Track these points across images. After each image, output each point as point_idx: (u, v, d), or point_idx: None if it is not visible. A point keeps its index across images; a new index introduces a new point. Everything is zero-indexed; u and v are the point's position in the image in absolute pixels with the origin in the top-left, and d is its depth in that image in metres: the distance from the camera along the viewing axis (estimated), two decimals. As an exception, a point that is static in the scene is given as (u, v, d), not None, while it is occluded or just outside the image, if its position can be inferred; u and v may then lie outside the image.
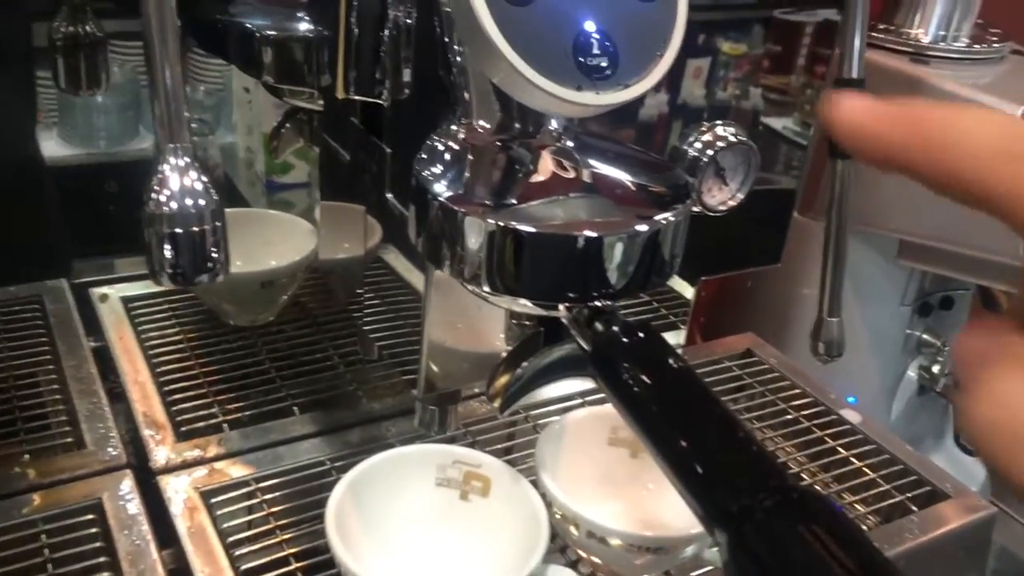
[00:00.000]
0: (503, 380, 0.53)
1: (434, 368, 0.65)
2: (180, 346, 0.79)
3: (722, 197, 0.78)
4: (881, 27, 0.91)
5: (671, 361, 0.44)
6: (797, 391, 0.82)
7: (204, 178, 0.45)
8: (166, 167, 0.43)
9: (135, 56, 0.89)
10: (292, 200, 1.24)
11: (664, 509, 0.63)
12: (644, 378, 0.44)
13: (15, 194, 0.88)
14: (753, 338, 0.89)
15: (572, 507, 0.56)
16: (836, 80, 0.62)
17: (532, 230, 0.45)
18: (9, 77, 0.81)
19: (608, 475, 0.65)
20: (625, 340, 0.45)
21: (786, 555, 0.36)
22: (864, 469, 0.74)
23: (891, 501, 0.72)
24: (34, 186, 0.91)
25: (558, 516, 0.57)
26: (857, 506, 0.71)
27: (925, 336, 1.05)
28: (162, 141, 0.43)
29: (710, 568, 0.63)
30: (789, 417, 0.79)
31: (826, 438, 0.77)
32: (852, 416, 0.79)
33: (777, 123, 0.84)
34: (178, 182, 0.44)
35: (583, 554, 0.60)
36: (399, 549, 0.58)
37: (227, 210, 0.86)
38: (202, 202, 0.45)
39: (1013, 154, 0.24)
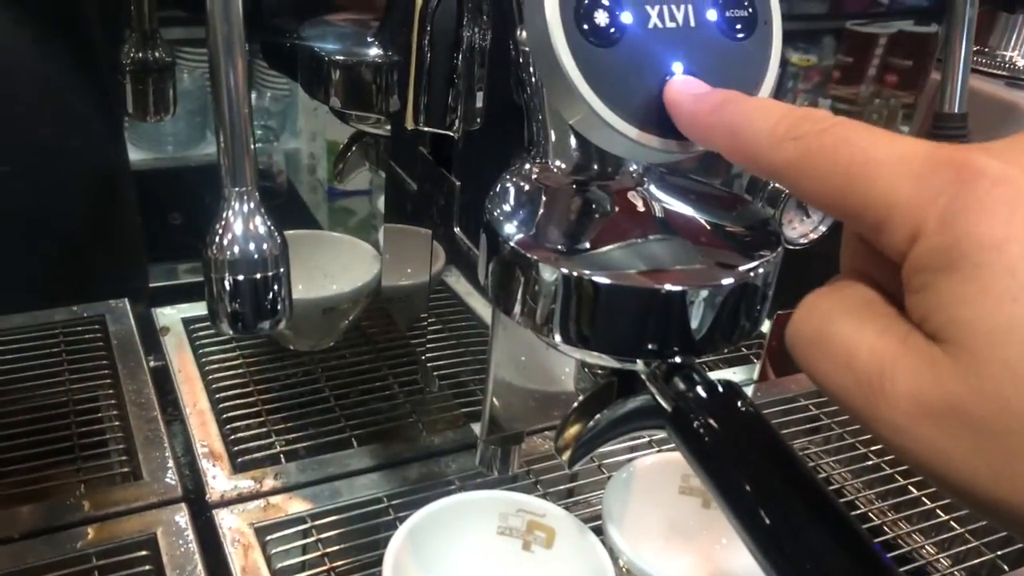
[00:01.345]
0: (573, 431, 0.50)
1: (498, 407, 0.62)
2: (239, 371, 0.78)
3: (803, 230, 0.74)
4: (975, 49, 0.86)
5: (758, 427, 0.41)
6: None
7: (269, 222, 0.43)
8: (229, 213, 0.41)
9: (204, 63, 0.88)
10: (353, 208, 1.23)
11: (738, 565, 0.60)
12: (729, 445, 0.40)
13: (103, 205, 0.87)
14: (830, 375, 0.85)
15: (639, 563, 0.53)
16: (936, 115, 0.58)
17: (609, 281, 0.42)
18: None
19: (678, 526, 0.62)
20: (706, 398, 0.42)
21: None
22: (951, 523, 0.70)
23: (981, 559, 0.67)
24: (122, 197, 0.91)
25: (625, 571, 0.54)
26: (943, 560, 0.67)
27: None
28: (226, 184, 0.41)
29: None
30: (870, 463, 0.75)
31: (910, 487, 0.73)
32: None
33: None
34: (242, 228, 0.42)
35: (651, 611, 0.57)
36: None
37: (288, 232, 0.86)
38: (266, 247, 0.43)
39: (790, 136, 0.28)
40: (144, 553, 0.58)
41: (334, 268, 0.80)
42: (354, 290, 0.77)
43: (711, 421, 0.42)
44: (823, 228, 0.74)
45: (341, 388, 0.77)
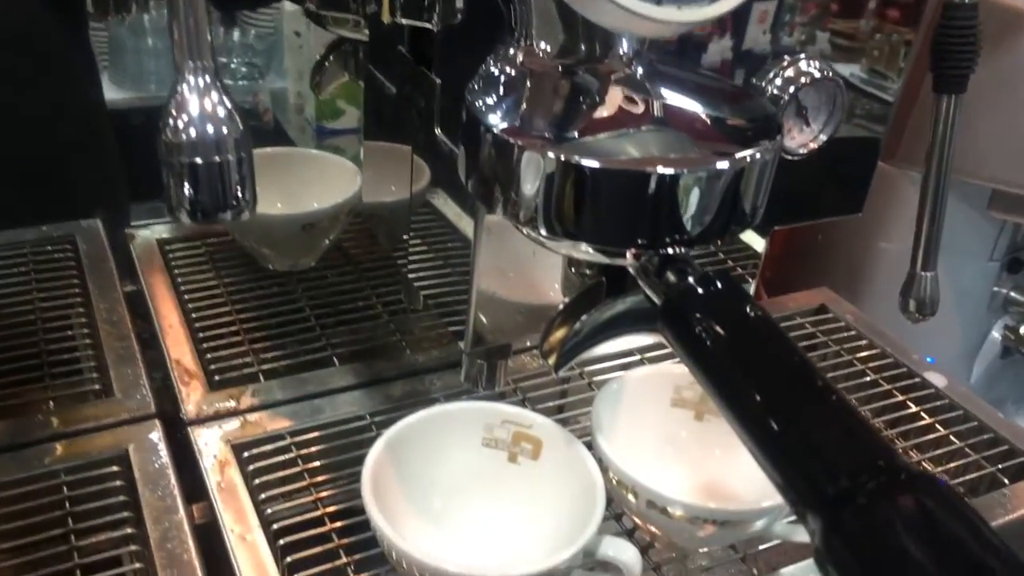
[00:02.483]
0: (559, 335, 0.48)
1: (483, 320, 0.60)
2: (216, 291, 0.75)
3: (803, 139, 0.71)
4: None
5: (755, 317, 0.38)
6: (876, 351, 0.76)
7: (228, 101, 0.40)
8: (184, 88, 0.38)
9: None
10: (342, 146, 1.19)
11: (732, 478, 0.58)
12: (724, 336, 0.38)
13: (79, 138, 0.86)
14: (827, 293, 0.83)
15: (630, 474, 0.51)
16: (945, 5, 0.54)
17: (597, 165, 0.40)
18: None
19: (670, 439, 0.60)
20: (701, 292, 0.40)
21: (892, 547, 0.31)
22: (950, 437, 0.68)
23: (980, 473, 0.65)
24: (97, 130, 0.89)
25: (615, 482, 0.52)
26: (942, 475, 0.65)
27: (1013, 294, 0.97)
28: (180, 59, 0.38)
29: (778, 543, 0.58)
30: (867, 379, 0.73)
31: (908, 403, 0.71)
32: (937, 379, 0.73)
33: (844, 70, 0.77)
34: (198, 106, 0.39)
35: (640, 523, 0.55)
36: (440, 513, 0.54)
37: (267, 149, 0.82)
38: (225, 129, 0.40)
39: None
40: (115, 469, 0.56)
41: (314, 184, 0.77)
42: (334, 206, 0.74)
43: (706, 315, 0.39)
44: (823, 137, 0.71)
45: (322, 307, 0.74)
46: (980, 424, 0.69)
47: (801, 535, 0.55)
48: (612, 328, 0.47)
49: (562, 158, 0.40)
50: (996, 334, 1.01)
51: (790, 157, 0.72)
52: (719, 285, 0.40)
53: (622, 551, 0.48)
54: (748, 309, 0.39)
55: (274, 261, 0.77)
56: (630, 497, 0.52)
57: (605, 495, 0.50)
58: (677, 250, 0.42)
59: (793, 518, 0.57)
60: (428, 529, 0.52)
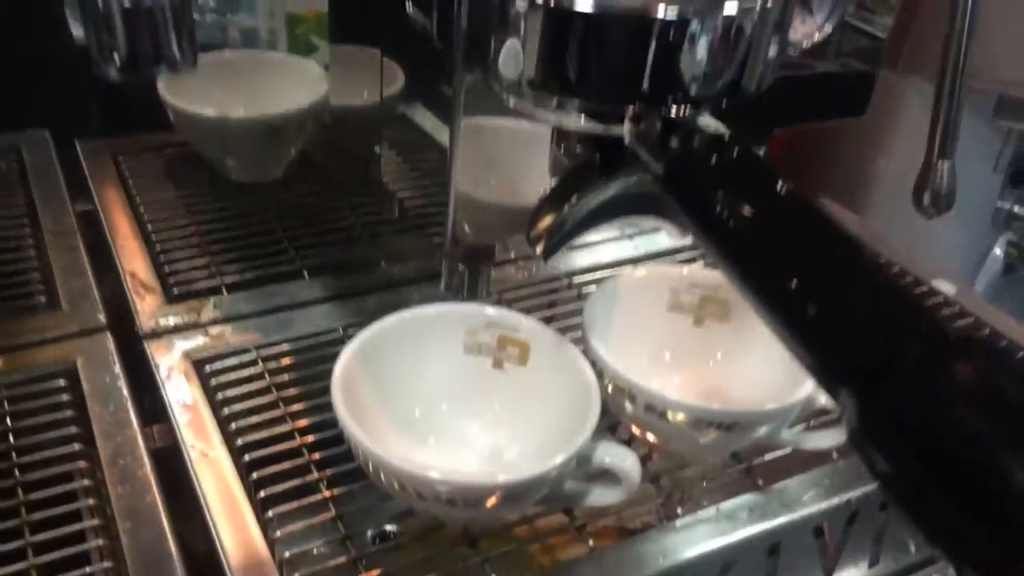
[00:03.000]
0: (547, 220, 0.43)
1: (463, 224, 0.55)
2: (175, 204, 0.70)
3: (806, 31, 0.66)
4: None
5: (770, 179, 0.34)
6: (880, 260, 0.72)
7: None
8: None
9: None
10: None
11: (733, 385, 0.54)
12: (736, 200, 0.33)
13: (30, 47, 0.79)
14: (827, 204, 0.78)
15: (627, 376, 0.47)
16: None
17: (590, 7, 0.35)
18: None
19: (667, 345, 0.55)
20: (711, 155, 0.35)
21: (940, 420, 0.26)
22: (960, 346, 0.64)
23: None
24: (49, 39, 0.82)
25: (609, 389, 0.48)
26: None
27: (1016, 209, 0.93)
28: None
29: (783, 453, 0.54)
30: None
31: (915, 312, 0.67)
32: (945, 287, 0.69)
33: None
34: (126, -59, 0.33)
35: (638, 432, 0.51)
36: (420, 424, 0.49)
37: (231, 51, 0.76)
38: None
39: None
40: (61, 383, 0.51)
41: (279, 88, 0.71)
42: (299, 110, 0.68)
43: (714, 177, 0.35)
44: (828, 28, 0.66)
45: (290, 220, 0.69)
46: (993, 331, 0.65)
47: (810, 442, 0.51)
48: (607, 211, 0.42)
49: (553, 2, 0.35)
50: (998, 251, 0.97)
51: (792, 51, 0.67)
52: (728, 149, 0.35)
53: (620, 457, 0.44)
54: (762, 171, 0.34)
55: (238, 172, 0.71)
56: (627, 403, 0.48)
57: (600, 398, 0.45)
58: (680, 112, 0.37)
59: (801, 425, 0.53)
60: (406, 441, 0.48)
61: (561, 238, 0.42)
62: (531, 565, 0.48)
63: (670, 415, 0.46)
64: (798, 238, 0.32)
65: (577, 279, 0.66)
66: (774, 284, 0.31)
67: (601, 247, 0.70)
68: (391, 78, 0.69)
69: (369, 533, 0.50)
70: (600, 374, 0.47)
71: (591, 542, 0.48)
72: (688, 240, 0.74)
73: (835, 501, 0.51)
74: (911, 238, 0.77)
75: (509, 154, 0.54)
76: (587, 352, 0.48)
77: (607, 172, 0.41)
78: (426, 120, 0.84)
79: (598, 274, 0.67)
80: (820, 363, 0.30)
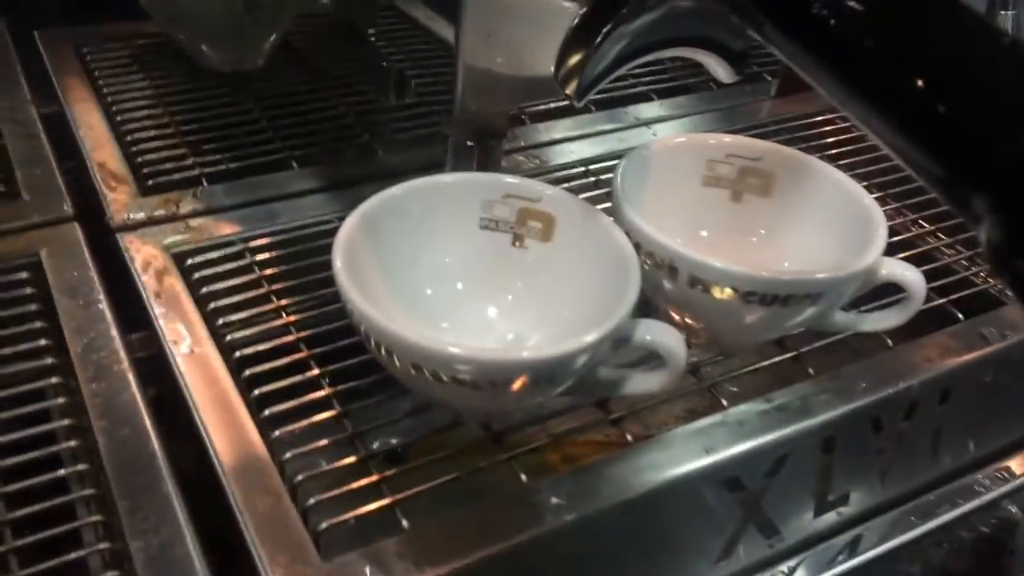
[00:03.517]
0: (579, 53, 0.37)
1: (472, 93, 0.48)
2: (147, 94, 0.63)
3: None
4: None
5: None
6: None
7: None
8: None
9: None
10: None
11: (776, 264, 0.48)
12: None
13: None
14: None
15: (669, 244, 0.41)
16: None
17: None
18: None
19: (702, 221, 0.50)
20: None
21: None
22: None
23: None
24: None
25: (645, 265, 0.42)
26: (977, 269, 0.56)
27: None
28: None
29: (835, 339, 0.49)
30: (903, 173, 0.63)
31: (962, 195, 0.61)
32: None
33: None
34: None
35: (676, 315, 0.45)
36: (432, 307, 0.43)
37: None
38: None
39: None
40: (23, 276, 0.45)
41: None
42: (281, -19, 0.61)
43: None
44: None
45: (274, 109, 0.63)
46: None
47: (868, 323, 0.46)
48: (650, 39, 0.36)
49: None
50: None
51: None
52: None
53: (664, 335, 0.39)
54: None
55: (215, 59, 0.65)
56: (665, 281, 0.42)
57: (639, 269, 0.40)
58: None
59: (859, 310, 0.48)
60: (418, 324, 0.42)
61: (598, 75, 0.36)
62: (563, 462, 0.43)
63: (716, 288, 0.41)
64: (915, 28, 0.26)
65: (593, 166, 0.61)
66: (893, 87, 0.26)
67: (621, 133, 0.64)
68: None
69: (375, 445, 0.44)
70: (637, 246, 0.42)
71: (629, 437, 0.42)
72: (730, 102, 0.68)
73: (893, 390, 0.46)
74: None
75: (518, 27, 0.48)
76: (620, 223, 0.43)
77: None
78: (417, 10, 0.77)
79: (614, 162, 0.61)
80: (942, 161, 0.24)
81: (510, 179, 0.44)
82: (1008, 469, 0.52)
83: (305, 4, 0.65)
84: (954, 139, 0.24)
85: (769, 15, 0.29)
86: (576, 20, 0.37)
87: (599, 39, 0.36)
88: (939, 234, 0.58)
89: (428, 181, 0.43)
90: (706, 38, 0.37)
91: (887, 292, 0.48)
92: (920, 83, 0.25)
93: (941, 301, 0.52)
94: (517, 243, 0.44)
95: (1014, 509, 0.51)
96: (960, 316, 0.51)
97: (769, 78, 0.74)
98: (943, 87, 0.25)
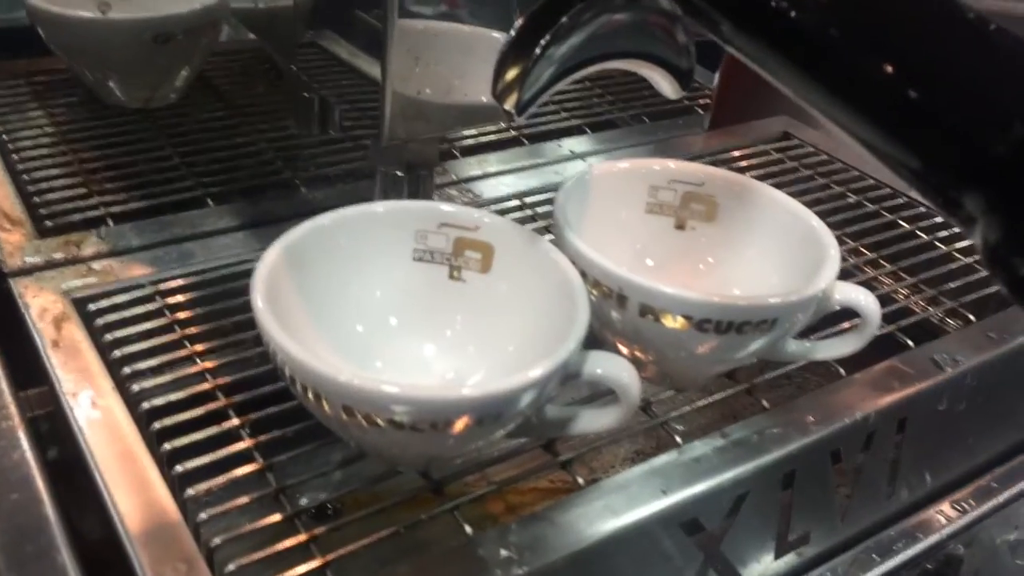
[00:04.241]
0: (517, 67, 0.34)
1: (400, 121, 0.46)
2: (47, 132, 0.59)
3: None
4: None
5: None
6: (853, 173, 0.66)
7: None
8: None
9: None
10: None
11: (727, 290, 0.46)
12: None
13: None
14: (787, 120, 0.72)
15: (617, 271, 0.38)
16: None
17: None
18: None
19: (647, 249, 0.47)
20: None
21: None
22: (955, 254, 0.58)
23: (995, 288, 0.56)
24: None
25: (592, 294, 0.39)
26: (944, 299, 0.55)
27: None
28: None
29: (787, 369, 0.47)
30: (850, 200, 0.63)
31: (900, 222, 0.61)
32: (927, 197, 0.63)
33: None
34: None
35: (625, 347, 0.43)
36: (364, 345, 0.40)
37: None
38: None
39: None
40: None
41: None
42: (192, 11, 0.58)
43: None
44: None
45: (188, 146, 0.59)
46: (982, 239, 0.59)
47: (821, 351, 0.44)
48: (593, 49, 0.34)
49: None
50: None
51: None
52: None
53: (615, 367, 0.36)
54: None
55: (123, 95, 0.61)
56: (613, 311, 0.40)
57: (587, 297, 0.37)
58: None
59: (811, 338, 0.46)
60: (350, 363, 0.38)
61: (538, 89, 0.34)
62: (510, 511, 0.40)
63: (669, 319, 0.38)
64: (882, 12, 0.24)
65: (529, 199, 0.58)
66: (859, 72, 0.24)
67: (555, 166, 0.62)
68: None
69: (303, 501, 0.40)
70: (583, 274, 0.39)
71: (580, 479, 0.39)
72: (664, 135, 0.67)
73: (851, 420, 0.44)
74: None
75: (445, 51, 0.45)
76: (564, 250, 0.40)
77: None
78: (339, 45, 0.74)
79: (551, 194, 0.59)
80: (931, 158, 0.22)
81: (445, 207, 0.41)
82: (966, 500, 0.50)
83: (219, 38, 0.62)
84: (938, 134, 0.22)
85: (725, 13, 0.27)
86: (512, 33, 0.34)
87: (537, 51, 0.33)
88: (881, 262, 0.57)
89: (357, 210, 0.40)
90: (648, 53, 0.35)
91: (833, 321, 0.46)
92: (891, 70, 0.23)
93: (889, 328, 0.51)
94: (454, 275, 0.41)
95: (960, 547, 0.50)
96: (911, 343, 0.50)
97: (701, 111, 0.73)
98: (918, 75, 0.23)
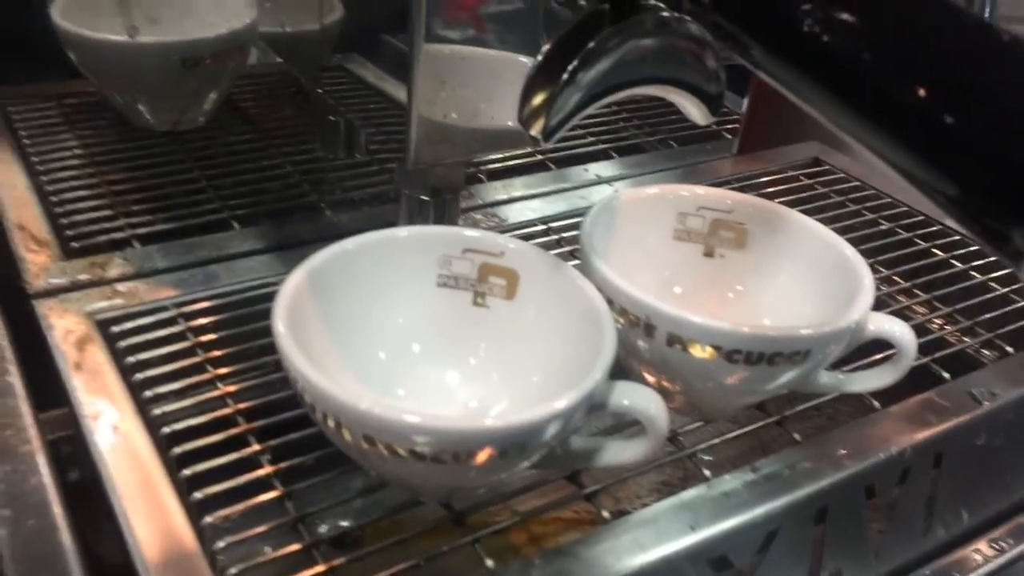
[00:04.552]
0: (544, 92, 0.34)
1: (426, 144, 0.45)
2: (76, 154, 0.59)
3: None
4: None
5: None
6: (885, 200, 0.64)
7: None
8: None
9: None
10: None
11: (756, 319, 0.45)
12: (816, 7, 0.25)
13: None
14: (818, 146, 0.71)
15: (645, 299, 0.38)
16: None
17: None
18: None
19: (675, 277, 0.47)
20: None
21: None
22: (991, 283, 0.57)
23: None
24: None
25: (619, 322, 0.39)
26: (980, 330, 0.54)
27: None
28: None
29: (819, 401, 0.45)
30: (883, 227, 0.61)
31: (935, 250, 0.60)
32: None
33: None
34: None
35: (650, 377, 0.42)
36: (386, 373, 0.39)
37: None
38: None
39: None
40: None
41: (198, 11, 0.61)
42: (220, 36, 0.58)
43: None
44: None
45: (215, 168, 0.59)
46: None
47: (855, 384, 0.43)
48: (621, 76, 0.33)
49: None
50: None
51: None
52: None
53: (644, 399, 0.35)
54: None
55: (152, 118, 0.61)
56: (640, 340, 0.39)
57: (614, 325, 0.36)
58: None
59: (843, 370, 0.45)
60: (371, 390, 0.38)
61: (566, 114, 0.33)
62: (532, 543, 0.39)
63: (698, 348, 0.38)
64: (913, 34, 0.23)
65: (555, 224, 0.57)
66: (892, 98, 0.23)
67: (582, 191, 0.61)
68: (331, 6, 0.60)
69: (322, 529, 0.39)
70: (610, 301, 0.38)
71: (605, 513, 0.38)
72: (691, 159, 0.66)
73: (886, 455, 0.43)
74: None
75: (472, 74, 0.45)
76: (590, 277, 0.39)
77: (620, 22, 0.32)
78: (365, 69, 0.74)
79: (576, 219, 0.58)
80: (978, 193, 0.21)
81: (470, 232, 0.40)
82: (1004, 539, 0.49)
83: (247, 62, 0.62)
84: (981, 165, 0.21)
85: (755, 37, 0.27)
86: (539, 57, 0.34)
87: (565, 77, 0.33)
88: (915, 291, 0.56)
89: (381, 235, 0.40)
90: (677, 79, 0.34)
91: (865, 351, 0.45)
92: (924, 94, 0.22)
93: (924, 360, 0.49)
94: (479, 301, 0.40)
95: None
96: (947, 376, 0.48)
97: (729, 136, 0.72)
98: (955, 100, 0.22)
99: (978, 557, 0.47)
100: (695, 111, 0.36)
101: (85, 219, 0.52)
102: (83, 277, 0.47)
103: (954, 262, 0.58)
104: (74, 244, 0.50)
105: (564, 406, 0.32)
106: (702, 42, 0.34)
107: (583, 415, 0.34)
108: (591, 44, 0.32)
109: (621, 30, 0.32)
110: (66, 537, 0.33)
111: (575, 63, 0.33)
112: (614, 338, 0.35)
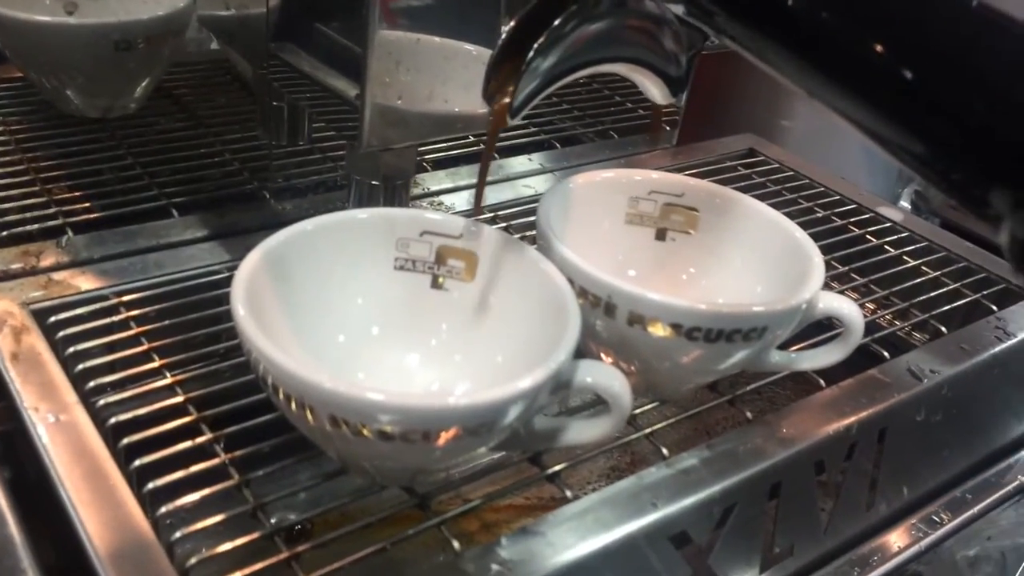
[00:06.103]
0: (509, 67, 0.34)
1: (378, 128, 0.45)
2: (3, 140, 0.56)
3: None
4: None
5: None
6: (819, 189, 0.66)
7: None
8: None
9: None
10: None
11: (711, 300, 0.45)
12: None
13: None
14: (753, 138, 0.73)
15: (607, 279, 0.38)
16: None
17: None
18: None
19: (628, 261, 0.47)
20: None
21: None
22: (921, 268, 0.59)
23: (964, 301, 0.56)
24: None
25: (578, 302, 0.38)
26: (914, 311, 0.56)
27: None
28: None
29: (768, 380, 0.46)
30: (819, 215, 0.63)
31: (868, 236, 0.61)
32: (893, 213, 0.64)
33: None
34: None
35: (607, 358, 0.42)
36: (345, 356, 0.38)
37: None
38: None
39: None
40: None
41: None
42: (155, 17, 0.56)
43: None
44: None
45: (151, 155, 0.57)
46: (949, 254, 0.60)
47: (805, 362, 0.44)
48: (590, 52, 0.33)
49: None
50: (905, 203, 0.94)
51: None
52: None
53: (606, 376, 0.35)
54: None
55: (82, 103, 0.58)
56: (599, 320, 0.39)
57: (578, 304, 0.36)
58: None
59: (795, 348, 0.45)
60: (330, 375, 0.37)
61: (531, 92, 0.33)
62: (499, 525, 0.38)
63: (659, 327, 0.38)
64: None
65: (503, 212, 0.57)
66: (863, 58, 0.23)
67: (527, 179, 0.61)
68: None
69: (282, 519, 0.38)
70: (571, 281, 0.38)
71: (568, 492, 0.38)
72: (632, 150, 0.66)
73: (835, 430, 0.44)
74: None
75: (426, 63, 0.45)
76: (550, 258, 0.39)
77: (583, 1, 0.33)
78: (314, 55, 0.73)
79: (524, 207, 0.58)
80: (955, 154, 0.22)
81: (429, 215, 0.40)
82: (941, 513, 0.51)
83: (182, 47, 0.60)
84: (959, 128, 0.22)
85: (720, 3, 0.27)
86: (504, 34, 0.34)
87: (530, 55, 0.33)
88: (852, 275, 0.58)
89: (340, 216, 0.39)
90: (638, 58, 0.34)
91: (807, 334, 0.46)
92: (882, 50, 0.23)
93: (865, 340, 0.51)
94: (438, 283, 0.40)
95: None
96: (886, 355, 0.50)
97: (668, 128, 0.73)
98: (915, 57, 0.22)
99: (916, 532, 0.49)
100: (655, 91, 0.36)
101: (14, 207, 0.50)
102: (15, 266, 0.45)
103: (887, 248, 0.60)
104: (3, 233, 0.48)
105: (532, 383, 0.32)
106: (662, 20, 0.34)
107: (548, 393, 0.34)
108: (555, 22, 0.32)
109: (582, 8, 0.32)
110: (13, 529, 0.32)
111: (540, 41, 0.33)
112: (579, 318, 0.35)
